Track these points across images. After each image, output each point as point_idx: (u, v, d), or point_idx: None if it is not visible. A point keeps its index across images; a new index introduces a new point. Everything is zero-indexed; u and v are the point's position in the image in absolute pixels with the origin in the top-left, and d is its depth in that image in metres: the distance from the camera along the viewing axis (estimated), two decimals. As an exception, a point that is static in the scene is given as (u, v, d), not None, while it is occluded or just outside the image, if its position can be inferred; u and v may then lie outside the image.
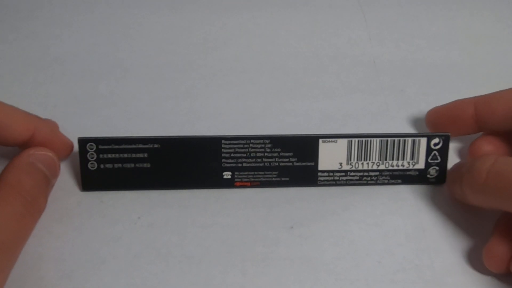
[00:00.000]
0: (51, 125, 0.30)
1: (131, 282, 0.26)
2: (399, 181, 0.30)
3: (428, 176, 0.30)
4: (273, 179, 0.30)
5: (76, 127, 0.30)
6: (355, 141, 0.30)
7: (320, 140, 0.30)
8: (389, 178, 0.30)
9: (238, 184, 0.30)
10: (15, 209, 0.25)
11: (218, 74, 0.36)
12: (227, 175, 0.30)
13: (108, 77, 0.35)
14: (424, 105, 0.34)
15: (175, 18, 0.39)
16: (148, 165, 0.29)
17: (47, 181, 0.27)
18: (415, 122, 0.34)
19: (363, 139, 0.30)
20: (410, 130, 0.33)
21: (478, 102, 0.30)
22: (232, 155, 0.29)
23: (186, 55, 0.37)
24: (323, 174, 0.30)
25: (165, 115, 0.33)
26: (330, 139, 0.30)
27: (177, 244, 0.28)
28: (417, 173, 0.30)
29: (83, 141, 0.29)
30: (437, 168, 0.30)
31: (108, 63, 0.36)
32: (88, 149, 0.29)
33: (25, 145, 0.29)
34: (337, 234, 0.28)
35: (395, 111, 0.34)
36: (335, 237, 0.28)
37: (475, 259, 0.27)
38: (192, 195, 0.30)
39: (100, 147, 0.29)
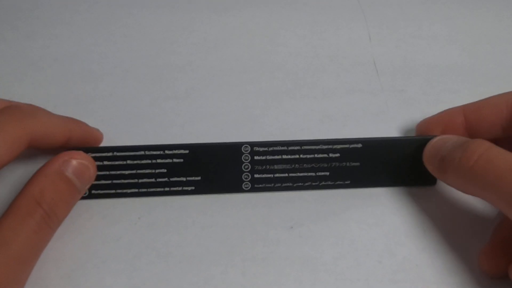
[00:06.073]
0: (82, 124, 0.30)
1: (131, 282, 0.26)
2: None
3: None
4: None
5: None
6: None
7: None
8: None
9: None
10: (34, 221, 0.24)
11: (218, 74, 0.36)
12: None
13: (108, 77, 0.35)
14: (424, 105, 0.34)
15: (175, 18, 0.39)
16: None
17: (74, 190, 0.27)
18: (415, 122, 0.34)
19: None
20: (410, 130, 0.33)
21: (467, 110, 0.30)
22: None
23: (186, 55, 0.37)
24: None
25: (165, 115, 0.33)
26: None
27: (177, 244, 0.28)
28: None
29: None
30: None
31: (108, 63, 0.36)
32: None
33: (61, 148, 0.28)
34: (337, 234, 0.28)
35: (395, 111, 0.34)
36: (335, 237, 0.28)
37: (475, 259, 0.27)
38: (192, 195, 0.30)
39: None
